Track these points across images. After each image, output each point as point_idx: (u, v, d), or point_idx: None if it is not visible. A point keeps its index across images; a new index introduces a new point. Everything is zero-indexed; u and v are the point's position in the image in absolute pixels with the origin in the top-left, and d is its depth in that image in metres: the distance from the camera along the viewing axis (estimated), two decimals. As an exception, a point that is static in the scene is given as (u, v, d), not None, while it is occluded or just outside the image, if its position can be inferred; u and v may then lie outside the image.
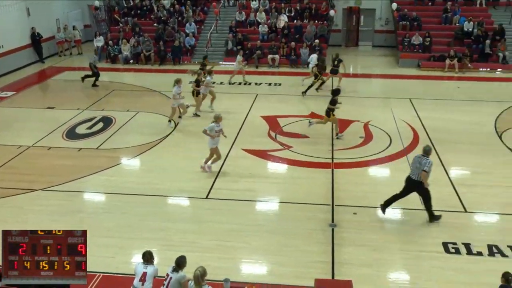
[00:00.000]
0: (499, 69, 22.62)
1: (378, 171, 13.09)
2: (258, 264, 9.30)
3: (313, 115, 16.91)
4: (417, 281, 8.73)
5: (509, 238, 9.88)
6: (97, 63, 21.10)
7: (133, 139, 15.01)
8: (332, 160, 13.54)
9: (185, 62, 24.47)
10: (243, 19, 26.60)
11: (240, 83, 20.97)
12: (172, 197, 11.68)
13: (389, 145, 14.47)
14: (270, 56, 23.98)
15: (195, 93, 16.73)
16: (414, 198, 11.25)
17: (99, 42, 25.84)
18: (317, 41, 24.10)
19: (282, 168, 13.38)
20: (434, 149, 14.03)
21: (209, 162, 12.74)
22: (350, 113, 16.87)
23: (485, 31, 23.76)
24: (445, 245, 9.68)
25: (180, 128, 15.99)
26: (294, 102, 18.79)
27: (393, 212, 10.93)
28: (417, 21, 25.11)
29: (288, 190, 12.00)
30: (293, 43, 24.07)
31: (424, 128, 15.69)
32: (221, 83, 20.89)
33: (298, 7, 26.71)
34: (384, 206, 10.61)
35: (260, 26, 25.72)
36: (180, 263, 7.26)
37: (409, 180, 10.31)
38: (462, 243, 9.70)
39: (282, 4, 26.96)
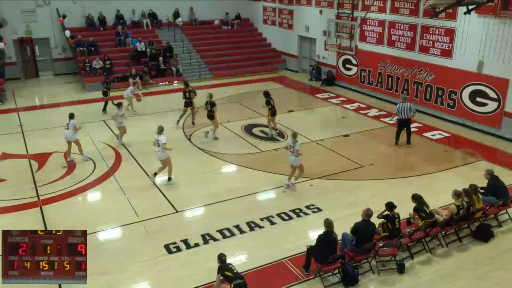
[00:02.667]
0: (175, 81, 24.82)
1: (90, 196, 12.71)
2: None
3: (4, 155, 15.18)
4: (150, 289, 8.92)
5: (216, 223, 11.05)
6: None
7: None
8: (38, 198, 12.45)
9: None
10: None
11: None
12: None
13: (94, 168, 14.21)
14: None
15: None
16: (130, 213, 11.45)
17: None
18: (-9, 76, 21.62)
19: (-20, 221, 11.54)
20: (137, 162, 14.53)
21: (292, 179, 12.80)
22: (46, 146, 15.83)
23: (156, 49, 25.68)
24: (166, 247, 10.14)
25: None
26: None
27: (113, 232, 10.84)
28: (94, 46, 25.26)
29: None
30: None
31: (123, 145, 15.94)
32: None
33: (-42, 43, 23.33)
34: (397, 141, 15.86)
35: None
36: None
37: (402, 120, 15.47)
38: (181, 240, 10.36)
39: None
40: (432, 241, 10.20)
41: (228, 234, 10.65)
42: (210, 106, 16.26)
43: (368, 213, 9.26)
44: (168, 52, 25.89)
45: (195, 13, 29.64)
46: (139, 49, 25.64)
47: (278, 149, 15.64)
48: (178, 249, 10.10)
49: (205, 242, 10.36)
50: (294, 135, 12.47)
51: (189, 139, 16.56)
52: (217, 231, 10.75)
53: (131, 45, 26.17)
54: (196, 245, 10.26)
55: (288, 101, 21.63)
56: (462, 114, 17.74)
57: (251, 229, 10.87)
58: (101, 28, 27.09)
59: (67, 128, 14.49)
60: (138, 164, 14.51)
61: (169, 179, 13.18)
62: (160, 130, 12.98)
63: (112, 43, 26.45)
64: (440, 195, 11.86)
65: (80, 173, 13.84)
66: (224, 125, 17.85)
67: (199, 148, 15.76)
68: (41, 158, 14.90)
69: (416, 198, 10.10)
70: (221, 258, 8.27)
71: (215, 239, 10.46)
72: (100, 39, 26.19)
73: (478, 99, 17.04)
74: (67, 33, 25.21)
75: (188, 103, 17.82)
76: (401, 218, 9.84)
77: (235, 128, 17.62)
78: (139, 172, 13.99)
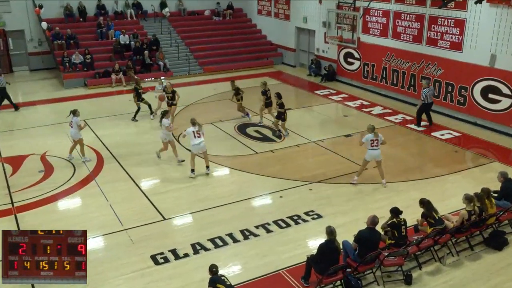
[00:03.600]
0: (163, 77, 24.76)
1: (70, 202, 12.66)
2: None
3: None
4: (135, 303, 8.91)
5: (207, 232, 11.05)
6: None
7: None
8: (13, 205, 12.39)
9: None
10: None
11: None
12: None
13: (74, 172, 14.17)
14: None
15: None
16: (114, 221, 11.41)
17: None
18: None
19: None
20: (121, 165, 14.50)
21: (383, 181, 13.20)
22: (21, 148, 15.78)
23: (141, 42, 25.66)
24: (153, 257, 10.13)
25: None
26: None
27: (95, 242, 10.80)
28: (73, 39, 25.19)
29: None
30: None
31: (106, 147, 15.95)
32: None
33: None
34: (419, 123, 17.71)
35: None
36: None
37: (428, 104, 17.31)
38: (169, 251, 10.35)
39: None
40: (441, 250, 10.25)
41: (220, 243, 10.65)
42: (270, 93, 17.50)
43: (374, 221, 9.26)
44: (154, 45, 25.88)
45: (183, 3, 29.65)
46: (122, 42, 25.61)
47: (274, 151, 15.67)
48: (166, 260, 10.08)
49: (195, 252, 10.35)
50: (374, 128, 12.75)
51: (178, 140, 16.55)
52: (208, 240, 10.74)
53: (113, 38, 26.09)
54: (186, 255, 10.25)
55: (285, 98, 21.45)
56: (473, 112, 17.83)
57: (246, 237, 10.87)
58: (81, 20, 27.03)
59: (72, 127, 14.57)
60: (122, 167, 14.48)
61: (207, 167, 14.09)
62: (193, 123, 13.64)
63: (93, 35, 26.39)
64: (450, 199, 11.92)
65: (59, 178, 13.79)
66: (215, 125, 17.86)
67: (188, 150, 15.71)
68: (16, 162, 14.85)
69: (424, 203, 10.13)
70: (213, 269, 8.27)
71: (206, 249, 10.45)
72: (80, 32, 26.13)
73: (491, 96, 17.12)
74: (44, 24, 25.13)
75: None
76: (408, 225, 9.88)
77: (227, 128, 17.63)
78: (123, 175, 13.96)
